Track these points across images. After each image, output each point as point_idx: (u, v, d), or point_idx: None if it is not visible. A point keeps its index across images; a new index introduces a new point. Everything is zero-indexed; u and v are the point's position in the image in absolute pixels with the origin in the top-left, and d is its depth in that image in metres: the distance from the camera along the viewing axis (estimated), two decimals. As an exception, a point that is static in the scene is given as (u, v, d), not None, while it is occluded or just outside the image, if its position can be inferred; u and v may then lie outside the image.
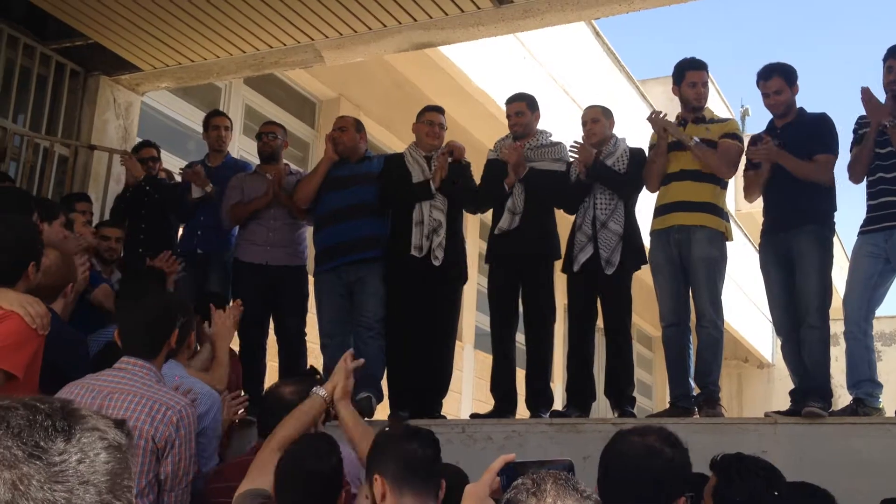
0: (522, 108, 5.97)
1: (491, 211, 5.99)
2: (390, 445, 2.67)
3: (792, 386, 5.31)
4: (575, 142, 5.75)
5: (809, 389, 5.03)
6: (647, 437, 2.28)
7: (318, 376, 5.21)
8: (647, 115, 5.87)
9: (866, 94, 5.15)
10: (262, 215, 6.22)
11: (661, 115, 5.70)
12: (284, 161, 6.59)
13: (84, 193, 6.75)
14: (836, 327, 5.42)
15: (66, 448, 0.89)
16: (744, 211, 16.59)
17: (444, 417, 5.78)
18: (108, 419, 1.00)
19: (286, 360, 6.10)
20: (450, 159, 5.90)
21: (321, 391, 3.23)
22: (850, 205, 5.39)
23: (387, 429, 2.83)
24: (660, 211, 5.62)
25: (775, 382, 16.40)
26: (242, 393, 4.61)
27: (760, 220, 5.56)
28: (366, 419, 5.44)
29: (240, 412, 4.42)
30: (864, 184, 5.23)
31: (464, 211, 6.19)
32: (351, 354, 3.41)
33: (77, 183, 7.18)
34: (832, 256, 5.29)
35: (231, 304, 4.88)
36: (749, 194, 5.60)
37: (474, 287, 10.45)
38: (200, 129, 7.02)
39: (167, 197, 6.61)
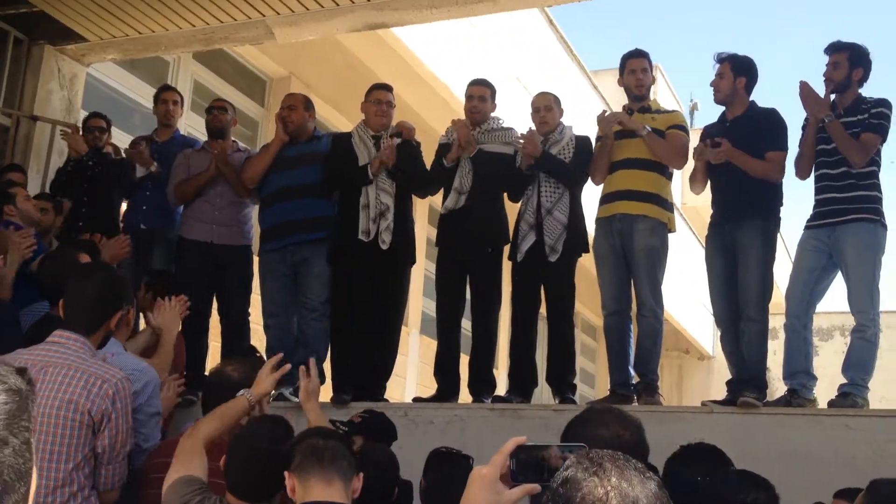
0: (486, 94, 5.95)
1: (440, 195, 5.97)
2: (297, 442, 2.74)
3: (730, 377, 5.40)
4: (523, 134, 5.76)
5: (745, 380, 5.12)
6: (610, 427, 2.31)
7: (258, 355, 5.18)
8: (597, 106, 5.92)
9: (804, 89, 5.24)
10: (208, 193, 6.14)
11: (608, 114, 5.76)
12: (232, 138, 6.51)
13: (16, 164, 6.59)
14: (776, 321, 5.52)
15: None
16: (689, 204, 16.81)
17: (386, 401, 5.77)
18: (9, 366, 1.10)
19: (229, 339, 6.04)
20: (398, 140, 5.86)
21: (247, 394, 3.28)
22: (793, 201, 5.49)
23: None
24: (605, 199, 5.67)
25: (715, 374, 16.69)
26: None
27: (706, 213, 5.62)
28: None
29: (179, 390, 4.36)
30: (811, 179, 5.33)
31: (412, 195, 6.16)
32: (273, 365, 3.42)
33: (18, 154, 7.01)
34: (775, 250, 5.37)
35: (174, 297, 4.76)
36: (693, 185, 5.66)
37: (422, 273, 10.44)
38: (146, 103, 6.90)
39: (111, 172, 6.49)
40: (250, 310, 6.21)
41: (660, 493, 1.42)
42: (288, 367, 3.44)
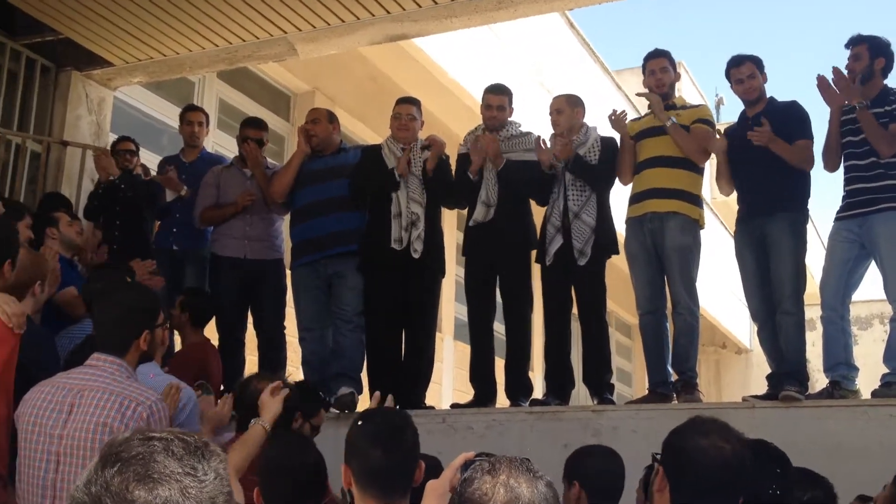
0: (505, 102, 5.94)
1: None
2: (357, 444, 2.51)
3: (769, 371, 5.36)
4: (554, 135, 5.75)
5: (786, 374, 5.08)
6: (710, 437, 2.30)
7: (288, 377, 5.21)
8: (621, 106, 5.91)
9: (838, 74, 5.17)
10: (238, 209, 6.19)
11: (621, 114, 5.76)
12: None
13: (58, 193, 6.68)
14: (813, 312, 5.47)
15: (207, 469, 1.30)
16: (719, 199, 16.66)
17: (432, 408, 5.78)
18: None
19: (265, 354, 6.08)
20: (428, 153, 5.87)
21: (260, 422, 3.32)
22: (825, 191, 5.44)
23: (359, 422, 2.61)
24: (635, 199, 5.65)
25: (753, 368, 16.51)
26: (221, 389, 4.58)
27: (736, 207, 5.58)
28: (346, 412, 5.47)
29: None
30: (840, 171, 5.28)
31: (442, 206, 6.17)
32: (278, 386, 3.45)
33: (50, 180, 7.11)
34: (806, 242, 5.33)
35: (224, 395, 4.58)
36: (720, 184, 5.65)
37: (453, 278, 10.44)
38: (173, 124, 6.97)
39: (141, 194, 6.56)
40: (285, 323, 6.26)
41: (547, 491, 1.65)
42: (286, 391, 3.45)
